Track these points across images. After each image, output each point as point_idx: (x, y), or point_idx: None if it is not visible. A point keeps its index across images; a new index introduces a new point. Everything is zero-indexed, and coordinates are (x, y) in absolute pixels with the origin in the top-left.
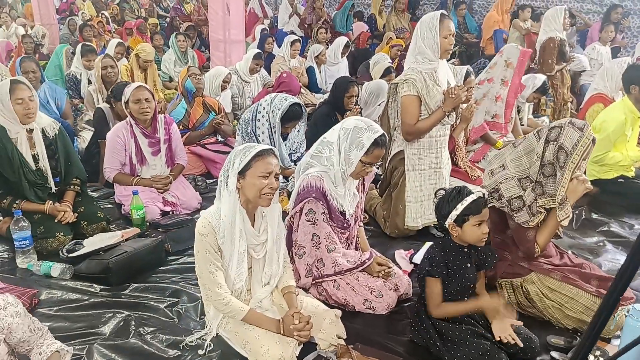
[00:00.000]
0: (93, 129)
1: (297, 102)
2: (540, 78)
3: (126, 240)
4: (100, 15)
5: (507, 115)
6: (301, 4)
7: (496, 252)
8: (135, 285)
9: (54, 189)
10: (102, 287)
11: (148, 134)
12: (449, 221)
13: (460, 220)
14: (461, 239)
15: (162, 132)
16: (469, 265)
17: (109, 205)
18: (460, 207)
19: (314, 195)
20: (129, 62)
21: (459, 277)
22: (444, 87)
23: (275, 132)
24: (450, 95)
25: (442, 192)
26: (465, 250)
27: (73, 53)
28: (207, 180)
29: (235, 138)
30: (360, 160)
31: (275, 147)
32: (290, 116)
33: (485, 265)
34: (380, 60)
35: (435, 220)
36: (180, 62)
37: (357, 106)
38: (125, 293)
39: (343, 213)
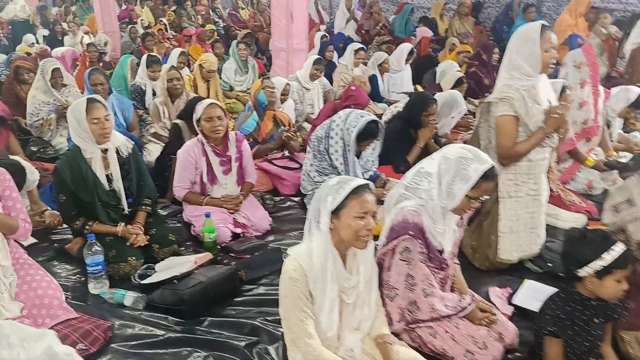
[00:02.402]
0: (159, 142)
1: (374, 120)
2: (635, 91)
3: (199, 267)
4: (159, 22)
5: (595, 115)
6: (357, 9)
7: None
8: (211, 319)
9: (126, 210)
10: (176, 319)
11: (219, 153)
12: (588, 271)
13: (603, 273)
14: (594, 292)
15: (234, 150)
16: (596, 320)
17: (178, 224)
18: (607, 258)
19: (410, 232)
20: (191, 71)
21: (585, 335)
22: (544, 105)
23: (349, 151)
24: (553, 115)
25: (576, 232)
26: (593, 303)
27: (138, 64)
28: (275, 198)
29: (299, 152)
30: (465, 194)
31: (348, 165)
32: (367, 134)
33: (613, 317)
34: (448, 68)
35: (533, 253)
36: (241, 71)
37: (435, 122)
38: (200, 328)
39: (440, 251)
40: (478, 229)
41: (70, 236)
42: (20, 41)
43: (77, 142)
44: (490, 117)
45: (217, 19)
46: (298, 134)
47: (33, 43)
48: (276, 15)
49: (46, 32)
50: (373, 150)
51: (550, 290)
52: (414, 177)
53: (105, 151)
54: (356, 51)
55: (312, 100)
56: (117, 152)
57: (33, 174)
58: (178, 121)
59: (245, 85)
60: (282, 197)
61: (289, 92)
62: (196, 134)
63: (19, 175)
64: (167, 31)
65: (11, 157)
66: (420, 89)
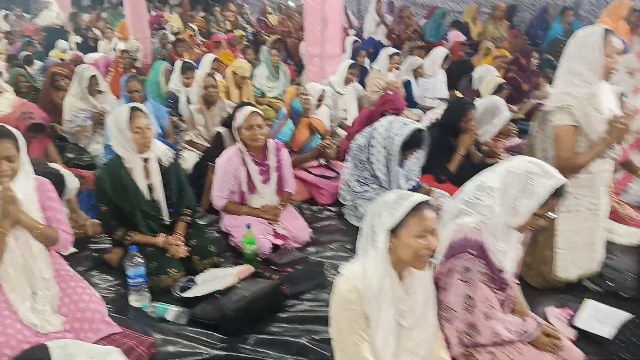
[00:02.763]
0: (193, 149)
1: (420, 128)
2: None
3: (241, 280)
4: (187, 28)
5: None
6: (386, 13)
7: None
8: (256, 336)
9: (167, 220)
10: (220, 336)
11: (259, 161)
12: None
13: None
14: None
15: (273, 158)
16: None
17: (215, 234)
18: None
19: (470, 251)
20: (223, 77)
21: None
22: (606, 114)
23: (392, 160)
24: (617, 125)
25: None
26: None
27: (170, 70)
28: (312, 207)
29: (335, 160)
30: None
31: (391, 175)
32: (412, 143)
33: None
34: (486, 73)
35: (591, 271)
36: (273, 77)
37: (475, 128)
38: (246, 347)
39: (501, 271)
40: (532, 243)
41: (108, 245)
42: (52, 47)
43: (119, 151)
44: (547, 127)
45: (245, 25)
46: (333, 140)
47: (66, 50)
48: (310, 20)
49: (78, 39)
50: (417, 159)
51: (614, 311)
52: (475, 192)
53: (146, 160)
54: (391, 56)
55: (345, 105)
56: (158, 161)
57: (73, 183)
58: (221, 129)
59: (276, 91)
60: (319, 207)
61: (324, 98)
62: None
63: (58, 184)
64: (196, 37)
65: (50, 164)
66: (459, 94)
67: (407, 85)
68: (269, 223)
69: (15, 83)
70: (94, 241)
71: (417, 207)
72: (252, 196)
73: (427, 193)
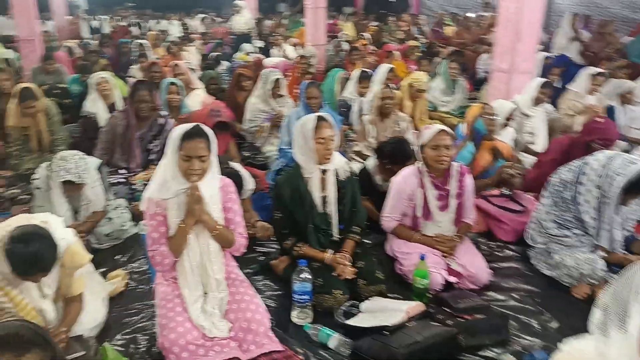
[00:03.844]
0: (361, 161)
1: None
2: None
3: (410, 318)
4: (360, 37)
5: None
6: (581, 28)
7: None
8: None
9: (336, 236)
10: None
11: (438, 185)
12: None
13: None
14: None
15: (455, 184)
16: None
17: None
18: None
19: None
20: (396, 88)
21: None
22: None
23: (607, 204)
24: None
25: None
26: None
27: (346, 78)
28: (490, 243)
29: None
30: None
31: (603, 222)
32: (637, 186)
33: None
34: None
35: None
36: (449, 91)
37: None
38: None
39: None
40: None
41: (274, 249)
42: (238, 50)
43: (300, 159)
44: None
45: (418, 35)
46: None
47: (250, 52)
48: (502, 32)
49: (261, 43)
50: (638, 206)
51: None
52: None
53: (324, 172)
54: (593, 76)
55: (532, 128)
56: (335, 174)
57: (249, 184)
58: (369, 166)
59: (451, 105)
60: (498, 243)
61: (512, 118)
62: (388, 175)
63: (236, 184)
64: (369, 46)
65: (231, 164)
66: None
67: (609, 111)
68: (443, 256)
69: (206, 83)
70: (260, 243)
71: None
72: (426, 223)
73: None
